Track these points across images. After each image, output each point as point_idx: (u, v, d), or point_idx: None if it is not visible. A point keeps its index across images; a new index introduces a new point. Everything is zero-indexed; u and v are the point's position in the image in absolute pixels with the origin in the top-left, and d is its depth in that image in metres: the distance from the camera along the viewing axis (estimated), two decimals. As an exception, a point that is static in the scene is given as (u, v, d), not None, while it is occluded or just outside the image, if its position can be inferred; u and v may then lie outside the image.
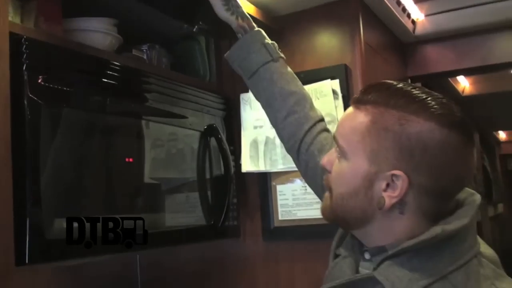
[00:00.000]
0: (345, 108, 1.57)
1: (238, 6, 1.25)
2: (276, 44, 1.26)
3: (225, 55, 1.28)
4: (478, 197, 0.88)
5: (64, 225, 1.07)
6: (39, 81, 1.06)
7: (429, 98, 0.82)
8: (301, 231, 1.66)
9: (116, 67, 1.27)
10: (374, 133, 0.83)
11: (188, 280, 1.78)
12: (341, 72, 1.63)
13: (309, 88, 1.64)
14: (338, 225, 0.97)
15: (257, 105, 1.69)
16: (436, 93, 0.85)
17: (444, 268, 0.80)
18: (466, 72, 2.61)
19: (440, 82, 2.85)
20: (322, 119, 1.21)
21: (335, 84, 1.61)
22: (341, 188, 0.88)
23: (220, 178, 1.58)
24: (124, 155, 1.29)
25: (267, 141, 1.68)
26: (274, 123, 1.24)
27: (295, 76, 1.25)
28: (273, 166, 1.67)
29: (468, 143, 0.82)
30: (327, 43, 1.71)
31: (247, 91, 1.73)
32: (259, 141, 1.69)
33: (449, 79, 2.91)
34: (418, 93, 0.83)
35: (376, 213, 0.85)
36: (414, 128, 0.80)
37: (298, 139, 1.18)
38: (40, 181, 1.03)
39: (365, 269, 0.89)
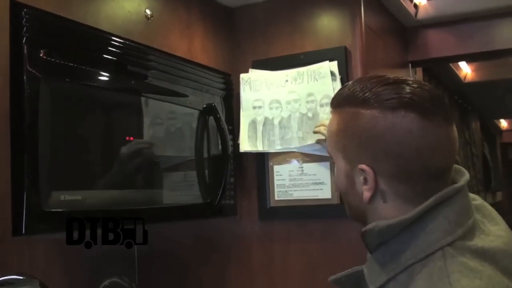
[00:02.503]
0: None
1: None
2: None
3: None
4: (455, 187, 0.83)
5: (61, 197, 1.09)
6: (39, 54, 1.06)
7: (374, 88, 0.82)
8: (297, 212, 1.68)
9: (117, 43, 1.28)
10: (340, 134, 0.87)
11: (184, 257, 1.81)
12: (340, 54, 1.63)
13: (308, 69, 1.65)
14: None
15: (257, 85, 1.71)
16: (393, 78, 0.84)
17: (405, 261, 0.79)
18: (468, 58, 2.60)
19: (441, 67, 2.84)
20: None
21: (333, 65, 1.61)
22: (339, 189, 0.94)
23: (218, 157, 1.59)
24: (123, 132, 1.30)
25: (266, 122, 1.69)
26: None
27: None
28: (270, 147, 1.68)
29: (422, 119, 0.79)
30: (327, 25, 1.71)
31: (247, 72, 1.74)
32: (257, 121, 1.70)
33: (451, 65, 2.90)
34: (368, 85, 0.83)
35: (366, 207, 0.86)
36: (362, 121, 0.82)
37: None
38: (38, 154, 1.04)
39: None
